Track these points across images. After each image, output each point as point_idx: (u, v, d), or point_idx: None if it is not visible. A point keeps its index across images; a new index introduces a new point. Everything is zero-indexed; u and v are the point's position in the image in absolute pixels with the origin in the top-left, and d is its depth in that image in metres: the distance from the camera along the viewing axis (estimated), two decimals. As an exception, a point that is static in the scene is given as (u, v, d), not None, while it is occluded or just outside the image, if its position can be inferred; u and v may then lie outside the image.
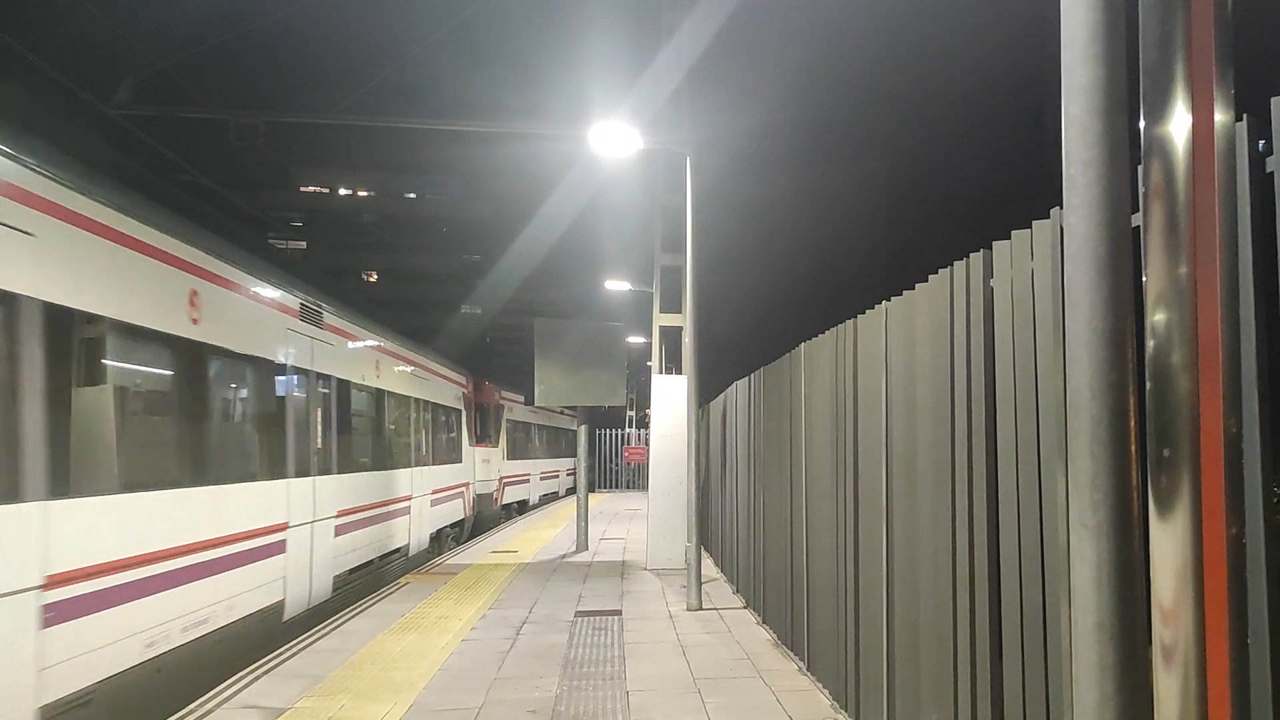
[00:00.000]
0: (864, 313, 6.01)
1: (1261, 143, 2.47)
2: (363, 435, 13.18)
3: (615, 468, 40.39)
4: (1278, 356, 2.38)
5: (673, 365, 19.25)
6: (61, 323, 6.03)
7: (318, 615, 10.49)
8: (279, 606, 9.54)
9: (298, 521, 10.09)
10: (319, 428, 11.02)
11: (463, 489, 20.41)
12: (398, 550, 14.73)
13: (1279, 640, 2.39)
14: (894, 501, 5.35)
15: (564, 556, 15.99)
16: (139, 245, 7.13)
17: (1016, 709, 3.78)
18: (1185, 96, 1.86)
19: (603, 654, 8.46)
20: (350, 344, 12.50)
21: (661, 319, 17.44)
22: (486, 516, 22.81)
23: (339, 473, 11.62)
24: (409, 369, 15.92)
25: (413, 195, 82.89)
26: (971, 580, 4.22)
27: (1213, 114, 1.87)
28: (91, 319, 6.43)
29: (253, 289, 9.25)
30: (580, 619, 10.16)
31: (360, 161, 79.64)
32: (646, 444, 17.70)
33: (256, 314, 9.39)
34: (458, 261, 79.10)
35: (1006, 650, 3.89)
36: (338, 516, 11.53)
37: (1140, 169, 1.95)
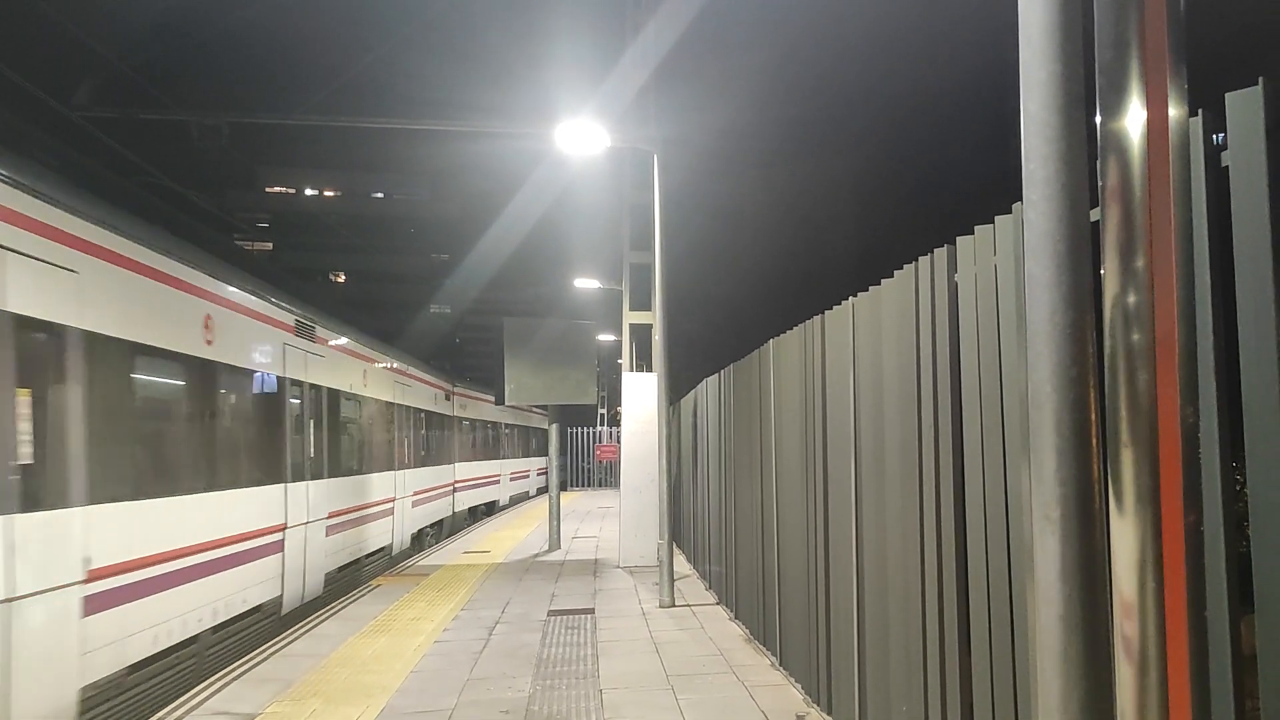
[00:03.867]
0: (831, 308, 6.05)
1: (1217, 137, 2.51)
2: (351, 441, 13.94)
3: (587, 466, 40.37)
4: (1234, 348, 2.42)
5: (643, 363, 19.28)
6: (99, 349, 6.86)
7: (310, 610, 11.10)
8: (277, 602, 10.28)
9: (294, 523, 10.84)
10: (311, 435, 11.80)
11: (448, 489, 21.77)
12: (382, 550, 15.50)
13: (1237, 627, 2.43)
14: (863, 496, 5.39)
15: (536, 556, 15.96)
16: (162, 277, 7.95)
17: (985, 700, 3.82)
18: (1140, 93, 1.89)
19: (576, 653, 8.46)
20: (339, 355, 13.35)
21: (631, 317, 17.47)
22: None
23: (329, 477, 12.33)
24: (393, 376, 16.78)
25: (380, 195, 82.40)
26: (939, 573, 4.26)
27: (1167, 110, 1.90)
28: (124, 345, 7.26)
29: (254, 309, 10.04)
30: (553, 618, 10.15)
31: (327, 161, 79.05)
32: (618, 442, 17.73)
33: (258, 332, 10.17)
34: (426, 261, 78.76)
35: (974, 642, 3.93)
36: (329, 518, 12.23)
37: (1098, 165, 1.98)
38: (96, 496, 6.65)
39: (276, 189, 78.52)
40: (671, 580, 10.87)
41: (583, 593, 11.89)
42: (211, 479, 8.75)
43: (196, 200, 23.46)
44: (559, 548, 16.75)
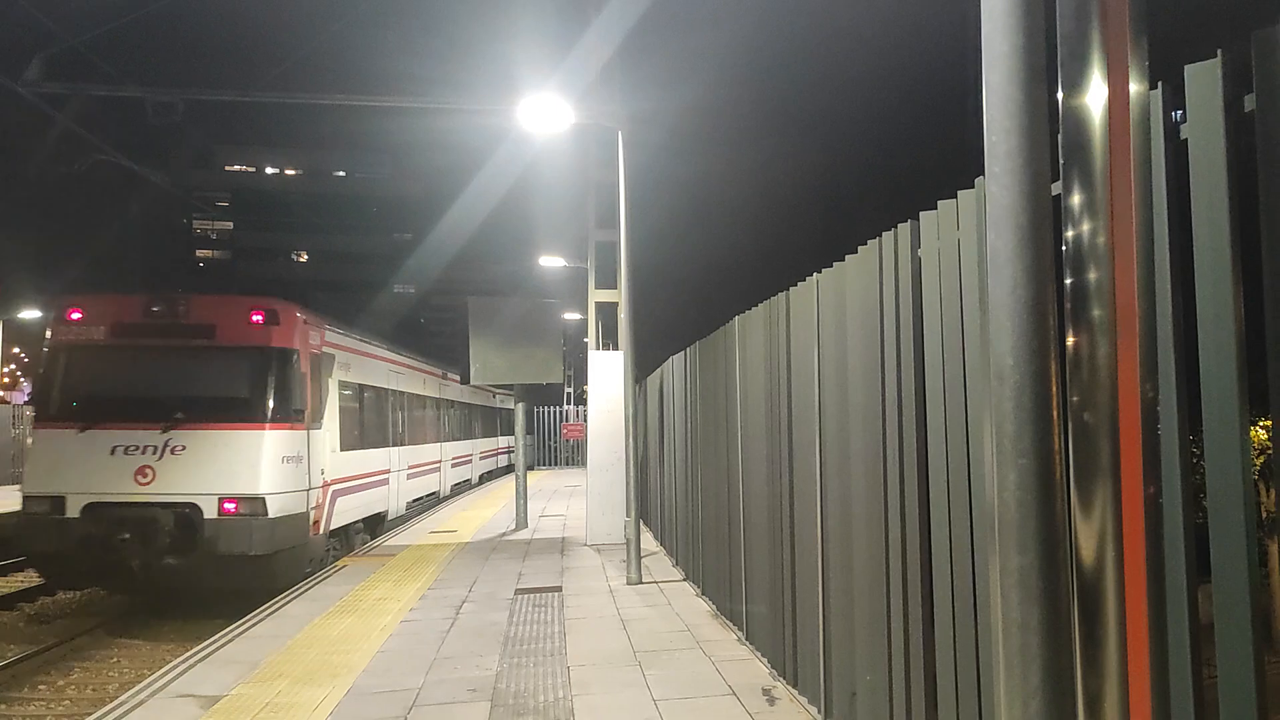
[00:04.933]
0: (796, 285, 6.06)
1: (1177, 113, 2.52)
2: (419, 423, 21.76)
3: (554, 445, 40.32)
4: (1192, 320, 2.44)
5: (609, 341, 19.25)
6: (350, 385, 15.09)
7: (399, 522, 18.82)
8: (385, 512, 17.71)
9: (394, 469, 18.58)
10: (402, 420, 19.60)
11: (470, 458, 29.45)
12: (434, 493, 22.93)
13: (1194, 597, 2.47)
14: (827, 471, 5.42)
15: (504, 535, 15.95)
16: (368, 353, 16.47)
17: (948, 670, 3.86)
18: (1101, 65, 1.89)
19: (543, 630, 8.47)
20: (409, 371, 20.64)
21: (597, 295, 17.42)
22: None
23: (409, 444, 20.28)
24: (438, 380, 24.00)
25: (342, 174, 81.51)
26: (904, 547, 4.29)
27: (1128, 83, 1.90)
28: (358, 385, 15.69)
29: (382, 354, 17.98)
30: (520, 596, 10.15)
31: (287, 139, 78.03)
32: (585, 421, 17.72)
33: (378, 367, 17.70)
34: (389, 241, 78.05)
35: (938, 614, 3.97)
36: (408, 469, 20.05)
37: (1060, 138, 1.98)
38: (346, 445, 14.68)
39: (236, 167, 77.45)
40: (638, 557, 10.91)
41: (550, 571, 11.90)
42: (382, 441, 17.51)
43: (153, 179, 23.05)
44: (526, 526, 16.75)
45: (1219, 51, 2.36)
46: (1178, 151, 2.48)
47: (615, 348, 15.38)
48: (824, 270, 5.47)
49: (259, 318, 12.80)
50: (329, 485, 14.12)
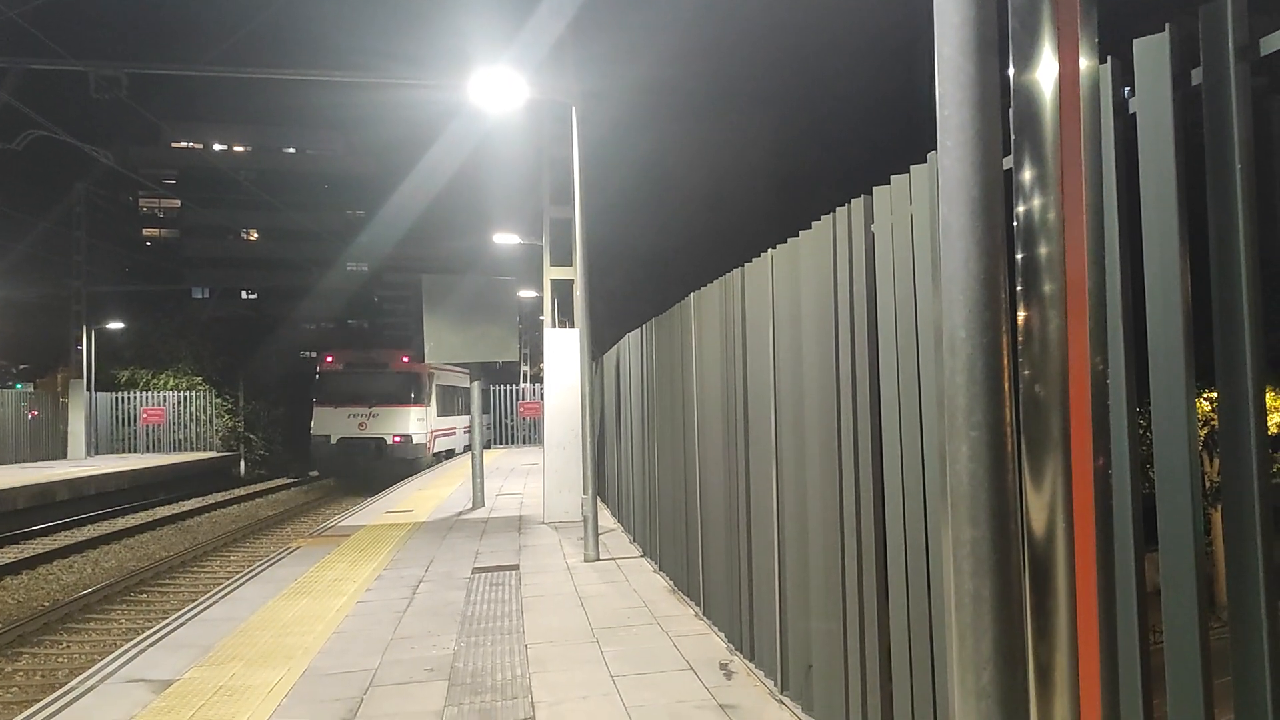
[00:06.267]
0: (751, 261, 6.06)
1: (1127, 89, 2.54)
2: (457, 402, 36.90)
3: (510, 423, 40.20)
4: (1141, 293, 2.47)
5: (565, 319, 19.18)
6: (440, 386, 34.13)
7: (449, 456, 35.46)
8: (453, 449, 36.03)
9: (458, 429, 36.94)
10: (458, 401, 36.66)
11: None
12: (467, 447, 31.44)
13: (1141, 565, 2.51)
14: (782, 445, 5.45)
15: (460, 514, 15.90)
16: (442, 371, 33.79)
17: (902, 640, 3.91)
18: (1052, 38, 1.89)
19: (501, 609, 8.46)
20: (455, 372, 34.72)
21: (552, 272, 17.32)
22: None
23: (451, 414, 36.04)
24: (462, 374, 35.17)
25: (292, 150, 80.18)
26: (858, 521, 4.33)
27: (1078, 56, 1.91)
28: (444, 385, 34.80)
29: (452, 369, 33.82)
30: (477, 575, 10.13)
31: (235, 116, 76.58)
32: (541, 399, 17.65)
33: (447, 374, 34.70)
34: (341, 218, 77.00)
35: (893, 586, 4.01)
36: (462, 429, 37.44)
37: (1011, 111, 1.99)
38: (439, 413, 33.79)
39: (183, 144, 75.85)
40: (596, 535, 10.92)
41: (507, 549, 11.88)
42: (452, 411, 35.82)
43: (97, 155, 22.52)
44: (483, 505, 16.69)
45: (1166, 26, 2.37)
46: (1127, 126, 2.50)
47: (572, 325, 15.32)
48: (779, 246, 5.48)
49: (405, 359, 31.27)
50: (433, 432, 32.98)
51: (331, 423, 30.30)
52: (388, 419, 30.22)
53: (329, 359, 31.62)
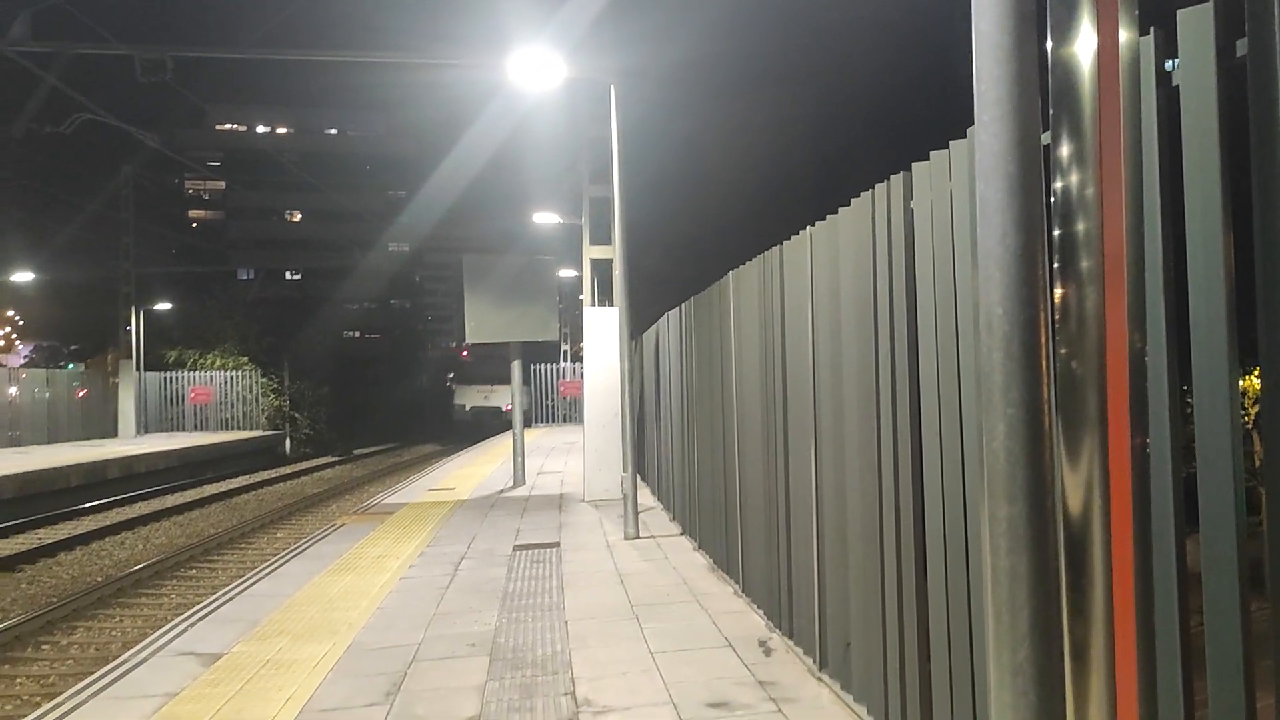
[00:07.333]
0: (790, 239, 6.03)
1: (1170, 63, 2.49)
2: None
3: (550, 402, 40.40)
4: (1182, 269, 2.44)
5: (605, 298, 19.22)
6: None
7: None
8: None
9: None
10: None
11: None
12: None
13: (1182, 546, 2.48)
14: (821, 423, 5.44)
15: (501, 492, 16.03)
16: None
17: (940, 619, 3.90)
18: (1090, 11, 1.87)
19: (541, 585, 8.54)
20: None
21: (592, 251, 17.37)
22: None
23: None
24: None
25: (334, 131, 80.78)
26: (896, 498, 4.32)
27: (1118, 28, 1.88)
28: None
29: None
30: (519, 552, 10.23)
31: (278, 97, 77.25)
32: (581, 378, 17.72)
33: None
34: (382, 198, 77.53)
35: (930, 564, 4.00)
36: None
37: (1049, 85, 1.96)
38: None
39: (227, 126, 76.70)
40: (636, 513, 10.97)
41: (548, 527, 11.98)
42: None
43: (143, 138, 22.84)
44: (524, 483, 16.82)
45: (1211, -5, 2.33)
46: (1169, 99, 2.46)
47: (611, 304, 15.35)
48: (817, 223, 5.45)
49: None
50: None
51: (468, 396, 49.36)
52: (502, 394, 43.28)
53: (464, 354, 47.23)
